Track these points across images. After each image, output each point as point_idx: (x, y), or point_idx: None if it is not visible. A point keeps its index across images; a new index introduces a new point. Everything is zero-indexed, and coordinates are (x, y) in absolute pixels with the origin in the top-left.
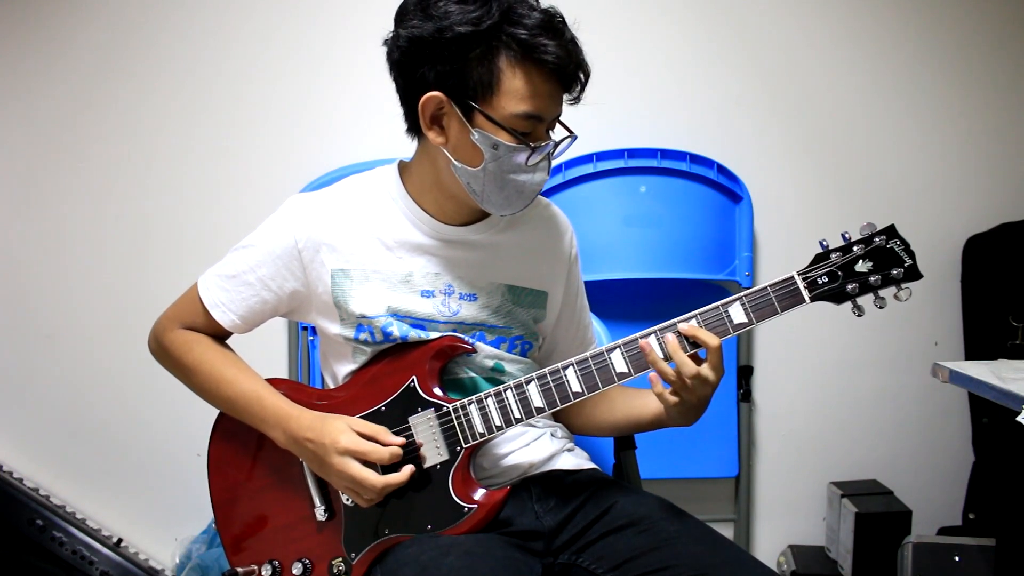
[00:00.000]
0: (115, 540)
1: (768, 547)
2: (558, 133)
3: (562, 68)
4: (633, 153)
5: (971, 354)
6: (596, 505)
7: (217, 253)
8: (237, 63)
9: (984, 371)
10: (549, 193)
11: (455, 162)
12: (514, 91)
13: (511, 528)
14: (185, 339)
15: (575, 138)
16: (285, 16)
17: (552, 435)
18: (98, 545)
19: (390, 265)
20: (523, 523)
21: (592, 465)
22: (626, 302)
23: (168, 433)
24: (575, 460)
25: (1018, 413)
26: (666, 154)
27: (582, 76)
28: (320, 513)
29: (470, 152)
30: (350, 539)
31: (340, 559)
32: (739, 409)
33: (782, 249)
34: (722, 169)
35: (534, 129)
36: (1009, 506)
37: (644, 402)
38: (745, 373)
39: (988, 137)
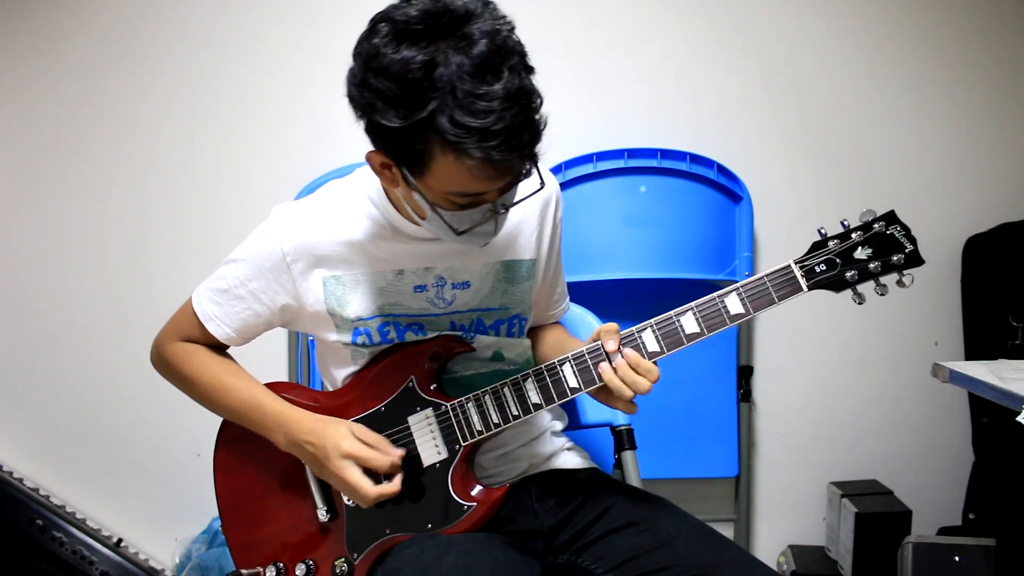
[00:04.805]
0: (115, 540)
1: (768, 547)
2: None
3: (500, 162)
4: (633, 153)
5: (971, 354)
6: (596, 505)
7: (217, 254)
8: (237, 64)
9: (984, 371)
10: None
11: (407, 206)
12: (446, 176)
13: (511, 527)
14: (184, 351)
15: (542, 186)
16: (285, 17)
17: (552, 434)
18: (98, 545)
19: (379, 266)
20: (523, 522)
21: (592, 464)
22: (626, 302)
23: (168, 433)
24: (575, 459)
25: (1018, 413)
26: (666, 154)
27: (526, 151)
28: (322, 514)
29: (417, 207)
30: (352, 539)
31: (343, 559)
32: (739, 409)
33: (782, 249)
34: (722, 169)
35: (476, 199)
36: (1009, 506)
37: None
38: (745, 373)
39: (988, 137)
